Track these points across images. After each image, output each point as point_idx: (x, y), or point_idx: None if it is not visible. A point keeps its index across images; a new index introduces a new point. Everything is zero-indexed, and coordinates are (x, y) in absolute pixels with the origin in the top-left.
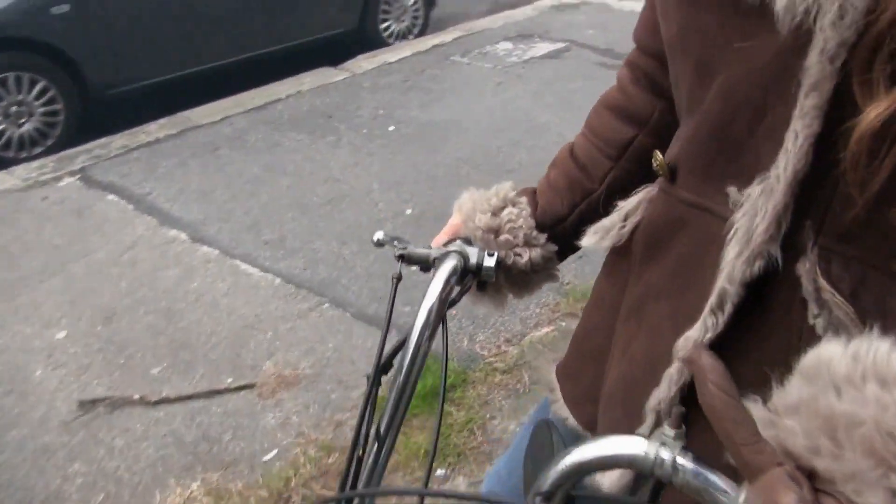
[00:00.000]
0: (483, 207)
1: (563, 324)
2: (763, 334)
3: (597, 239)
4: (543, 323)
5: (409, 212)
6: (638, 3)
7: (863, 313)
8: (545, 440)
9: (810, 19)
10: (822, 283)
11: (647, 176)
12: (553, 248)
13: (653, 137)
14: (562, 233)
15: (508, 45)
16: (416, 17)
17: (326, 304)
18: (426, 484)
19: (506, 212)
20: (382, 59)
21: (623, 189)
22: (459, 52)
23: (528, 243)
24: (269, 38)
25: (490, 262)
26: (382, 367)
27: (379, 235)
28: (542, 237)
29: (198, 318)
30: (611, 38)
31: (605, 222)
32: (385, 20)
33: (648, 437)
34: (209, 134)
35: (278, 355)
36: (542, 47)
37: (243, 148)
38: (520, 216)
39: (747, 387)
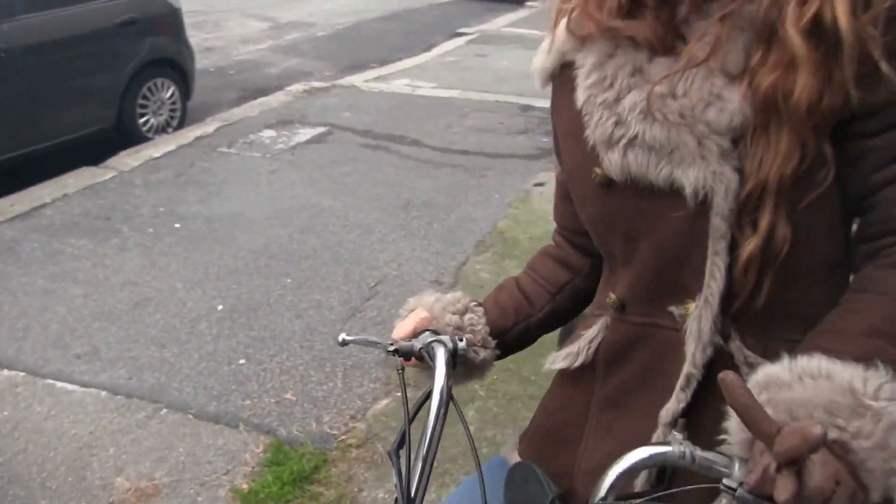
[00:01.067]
0: (452, 310)
1: (399, 394)
2: (711, 393)
3: (570, 362)
4: (381, 396)
5: (220, 307)
6: (384, 85)
7: None
8: (530, 476)
9: (708, 197)
10: (749, 353)
11: (574, 310)
12: (497, 351)
13: (584, 282)
14: (504, 341)
15: (272, 132)
16: (173, 110)
17: (164, 410)
18: None
19: (467, 316)
20: (147, 154)
21: (557, 320)
22: (225, 142)
23: (483, 345)
24: (22, 140)
25: (462, 344)
26: (400, 444)
27: (345, 337)
28: (493, 342)
29: (21, 447)
30: (367, 120)
31: (573, 348)
32: (143, 114)
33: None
34: None
35: (128, 469)
36: (305, 133)
37: (18, 260)
38: (479, 322)
39: (709, 426)
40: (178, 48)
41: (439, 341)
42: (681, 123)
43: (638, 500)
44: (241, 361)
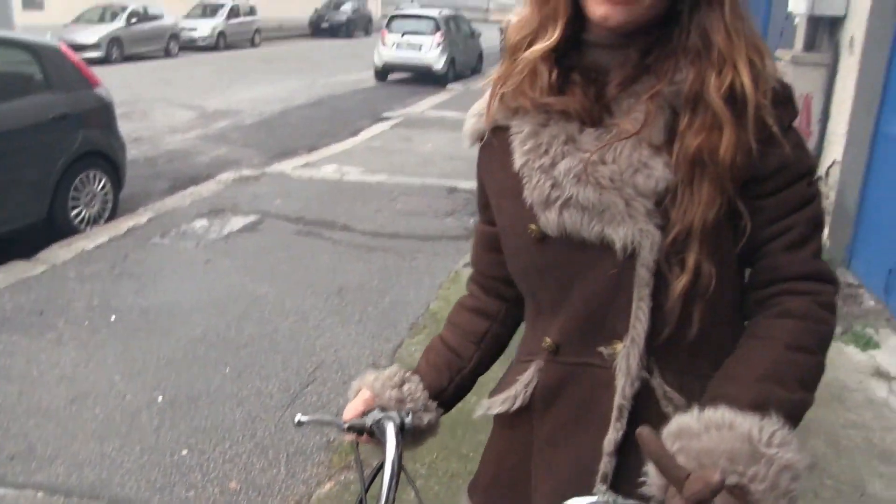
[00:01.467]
0: (390, 384)
1: (343, 477)
2: (638, 423)
3: (508, 406)
4: (324, 480)
5: (160, 398)
6: (313, 171)
7: (688, 399)
8: None
9: (636, 251)
10: (668, 388)
11: (497, 354)
12: (441, 411)
13: (501, 327)
14: (444, 398)
15: (204, 221)
16: (105, 202)
17: None
18: None
19: (406, 387)
20: (79, 246)
21: (485, 366)
22: (158, 233)
23: (426, 409)
24: None
25: (409, 419)
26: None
27: (300, 418)
28: (434, 404)
29: None
30: (298, 206)
31: (510, 393)
32: (75, 206)
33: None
34: None
35: None
36: (237, 221)
37: None
38: (417, 389)
39: (638, 451)
40: (109, 140)
41: (388, 417)
42: (611, 187)
43: None
44: (184, 452)
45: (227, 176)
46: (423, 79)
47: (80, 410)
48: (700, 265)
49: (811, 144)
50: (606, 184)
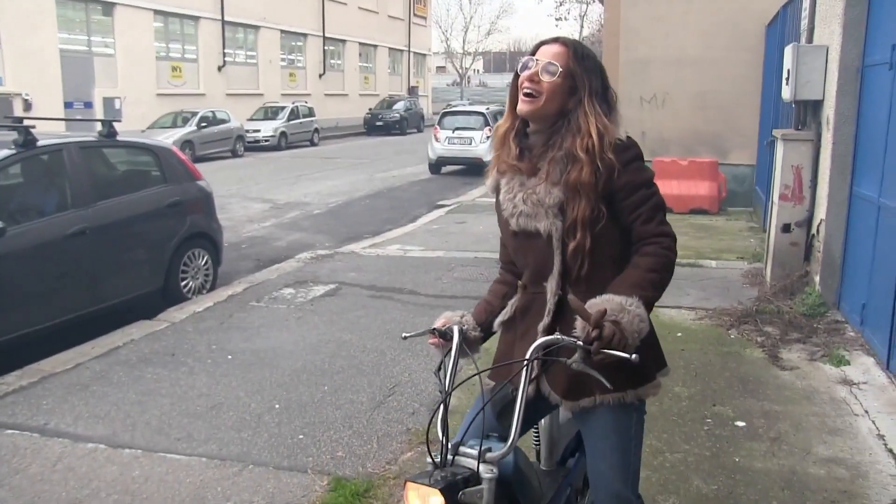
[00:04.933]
0: (457, 315)
1: (420, 448)
2: (561, 316)
3: (505, 316)
4: (406, 450)
5: (277, 406)
6: (380, 250)
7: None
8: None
9: (551, 234)
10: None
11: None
12: (482, 334)
13: (515, 290)
14: (485, 326)
15: (291, 290)
16: (207, 275)
17: (251, 466)
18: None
19: (465, 318)
20: (191, 309)
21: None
22: (254, 298)
23: (473, 329)
24: (96, 298)
25: (465, 326)
26: (438, 368)
27: (405, 335)
28: (479, 328)
29: (152, 491)
30: (370, 277)
31: (506, 310)
32: (184, 278)
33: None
34: (71, 377)
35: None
36: (319, 289)
37: (111, 384)
38: (470, 319)
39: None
40: (210, 224)
41: (454, 324)
42: (538, 203)
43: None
44: (300, 436)
45: (304, 255)
46: (475, 170)
47: (218, 414)
48: (584, 238)
49: (804, 208)
50: (536, 202)
